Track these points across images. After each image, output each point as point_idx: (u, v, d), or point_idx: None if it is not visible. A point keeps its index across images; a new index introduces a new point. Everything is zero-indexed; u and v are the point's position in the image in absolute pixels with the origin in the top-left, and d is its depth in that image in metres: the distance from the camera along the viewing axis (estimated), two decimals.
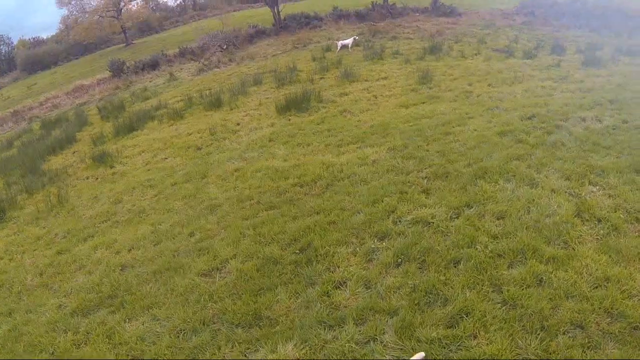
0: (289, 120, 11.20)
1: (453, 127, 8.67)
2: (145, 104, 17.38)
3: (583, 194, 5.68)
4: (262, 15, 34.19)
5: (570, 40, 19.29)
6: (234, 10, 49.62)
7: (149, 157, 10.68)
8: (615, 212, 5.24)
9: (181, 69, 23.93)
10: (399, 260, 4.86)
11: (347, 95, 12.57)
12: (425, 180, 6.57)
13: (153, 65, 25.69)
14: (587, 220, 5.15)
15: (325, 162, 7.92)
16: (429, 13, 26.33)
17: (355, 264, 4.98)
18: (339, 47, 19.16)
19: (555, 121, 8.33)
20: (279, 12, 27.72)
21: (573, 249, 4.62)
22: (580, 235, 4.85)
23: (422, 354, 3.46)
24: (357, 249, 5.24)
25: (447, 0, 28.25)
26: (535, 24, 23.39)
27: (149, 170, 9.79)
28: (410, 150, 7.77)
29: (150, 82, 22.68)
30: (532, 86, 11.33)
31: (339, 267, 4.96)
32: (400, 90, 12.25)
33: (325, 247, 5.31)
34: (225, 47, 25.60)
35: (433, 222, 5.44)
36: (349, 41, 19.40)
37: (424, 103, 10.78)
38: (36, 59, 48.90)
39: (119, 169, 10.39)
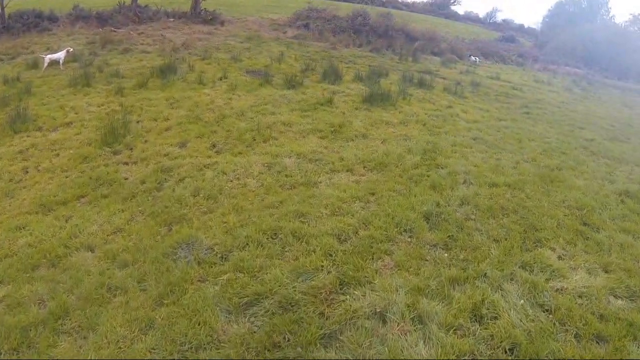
0: None
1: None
2: None
3: None
4: None
5: (348, 60, 16.06)
6: None
7: None
8: None
9: None
10: None
11: None
12: None
13: None
14: None
15: None
16: (187, 19, 21.60)
17: None
18: (46, 64, 13.80)
19: None
20: (2, 7, 20.65)
21: None
22: None
23: None
24: None
25: (214, 5, 23.70)
26: (308, 38, 20.04)
27: None
28: None
29: None
30: (285, 152, 7.36)
31: None
32: (70, 157, 7.53)
33: None
34: None
35: None
36: (59, 55, 14.13)
37: (81, 198, 6.20)
38: None
39: None
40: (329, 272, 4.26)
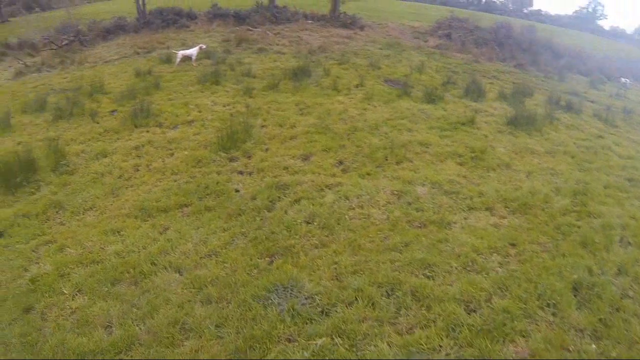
0: None
1: None
2: None
3: None
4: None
5: (491, 75, 14.66)
6: None
7: None
8: None
9: (9, 67, 17.27)
10: None
11: (105, 157, 7.18)
12: None
13: None
14: None
15: None
16: (325, 22, 21.12)
17: None
18: (178, 59, 13.75)
19: None
20: (144, 4, 21.58)
21: None
22: None
23: None
24: None
25: (355, 10, 23.13)
26: (450, 49, 18.76)
27: None
28: None
29: None
30: (419, 178, 6.31)
31: None
32: (183, 158, 6.96)
33: None
34: (65, 43, 19.13)
35: None
36: (192, 51, 14.00)
37: (184, 208, 5.58)
38: None
39: None
40: (446, 355, 3.31)
